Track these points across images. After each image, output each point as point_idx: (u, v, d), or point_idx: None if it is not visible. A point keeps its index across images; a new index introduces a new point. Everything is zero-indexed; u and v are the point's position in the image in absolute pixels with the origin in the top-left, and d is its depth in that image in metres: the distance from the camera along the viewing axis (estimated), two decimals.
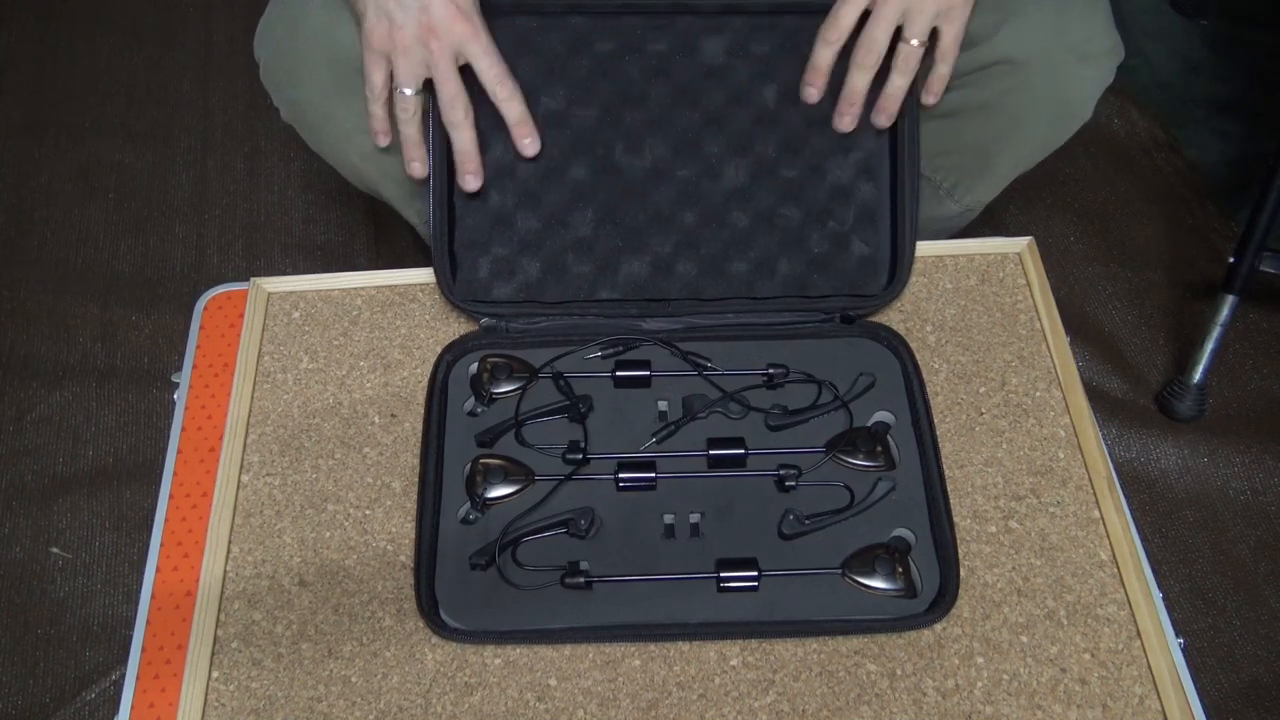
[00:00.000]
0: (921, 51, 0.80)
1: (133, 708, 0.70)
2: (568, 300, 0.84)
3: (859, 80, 0.81)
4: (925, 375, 0.83)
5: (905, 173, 0.84)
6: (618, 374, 0.82)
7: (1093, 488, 0.79)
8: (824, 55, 0.81)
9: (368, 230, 1.53)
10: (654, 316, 0.84)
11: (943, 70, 0.83)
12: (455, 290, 0.84)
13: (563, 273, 0.84)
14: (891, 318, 0.87)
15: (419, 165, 0.84)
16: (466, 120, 0.80)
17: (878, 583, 0.72)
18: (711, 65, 0.84)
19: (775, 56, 0.84)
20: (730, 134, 0.84)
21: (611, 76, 0.84)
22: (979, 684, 0.70)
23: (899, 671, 0.71)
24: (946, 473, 0.78)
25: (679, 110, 0.84)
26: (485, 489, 0.76)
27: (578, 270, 0.84)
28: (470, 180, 0.83)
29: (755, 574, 0.72)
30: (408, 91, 0.79)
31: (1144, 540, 0.77)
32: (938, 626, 0.72)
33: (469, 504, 0.76)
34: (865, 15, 0.80)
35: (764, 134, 0.84)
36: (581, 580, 0.73)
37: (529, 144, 0.83)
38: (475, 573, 0.73)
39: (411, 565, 0.74)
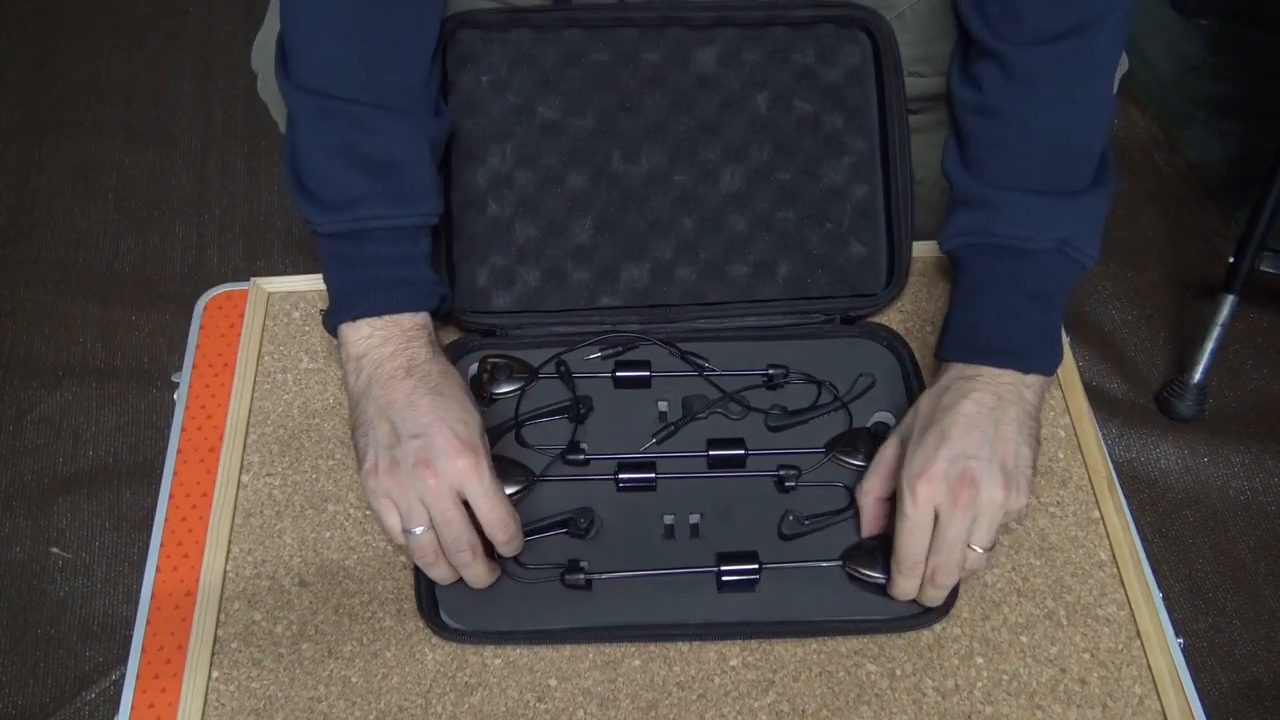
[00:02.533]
0: (986, 559, 0.71)
1: (133, 708, 0.70)
2: (568, 309, 0.84)
3: (928, 594, 0.71)
4: (925, 376, 0.83)
5: (897, 174, 0.84)
6: (618, 374, 0.82)
7: (1093, 488, 0.79)
8: (908, 586, 0.71)
9: None
10: (655, 323, 0.84)
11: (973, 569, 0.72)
12: (454, 302, 0.84)
13: (563, 280, 0.84)
14: (891, 318, 0.88)
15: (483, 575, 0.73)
16: (476, 559, 0.71)
17: (878, 572, 0.72)
18: (704, 74, 0.85)
19: (765, 65, 0.85)
20: (725, 140, 0.85)
21: (607, 86, 0.85)
22: (979, 684, 0.70)
23: (899, 671, 0.71)
24: None
25: (674, 118, 0.85)
26: None
27: (578, 277, 0.84)
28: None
29: (756, 567, 0.72)
30: (417, 531, 0.69)
31: (1144, 540, 0.77)
32: (937, 626, 0.72)
33: None
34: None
35: (758, 139, 0.85)
36: (581, 580, 0.73)
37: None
38: None
39: (411, 565, 0.74)
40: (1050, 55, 0.74)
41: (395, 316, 0.75)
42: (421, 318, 0.76)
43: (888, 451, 0.74)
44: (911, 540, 0.69)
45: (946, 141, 0.82)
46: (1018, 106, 0.76)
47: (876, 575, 0.72)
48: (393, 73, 0.75)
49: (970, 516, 0.68)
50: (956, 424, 0.70)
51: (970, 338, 0.76)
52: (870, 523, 0.75)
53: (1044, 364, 0.74)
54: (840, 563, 0.73)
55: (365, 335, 0.74)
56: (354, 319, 0.75)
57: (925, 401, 0.74)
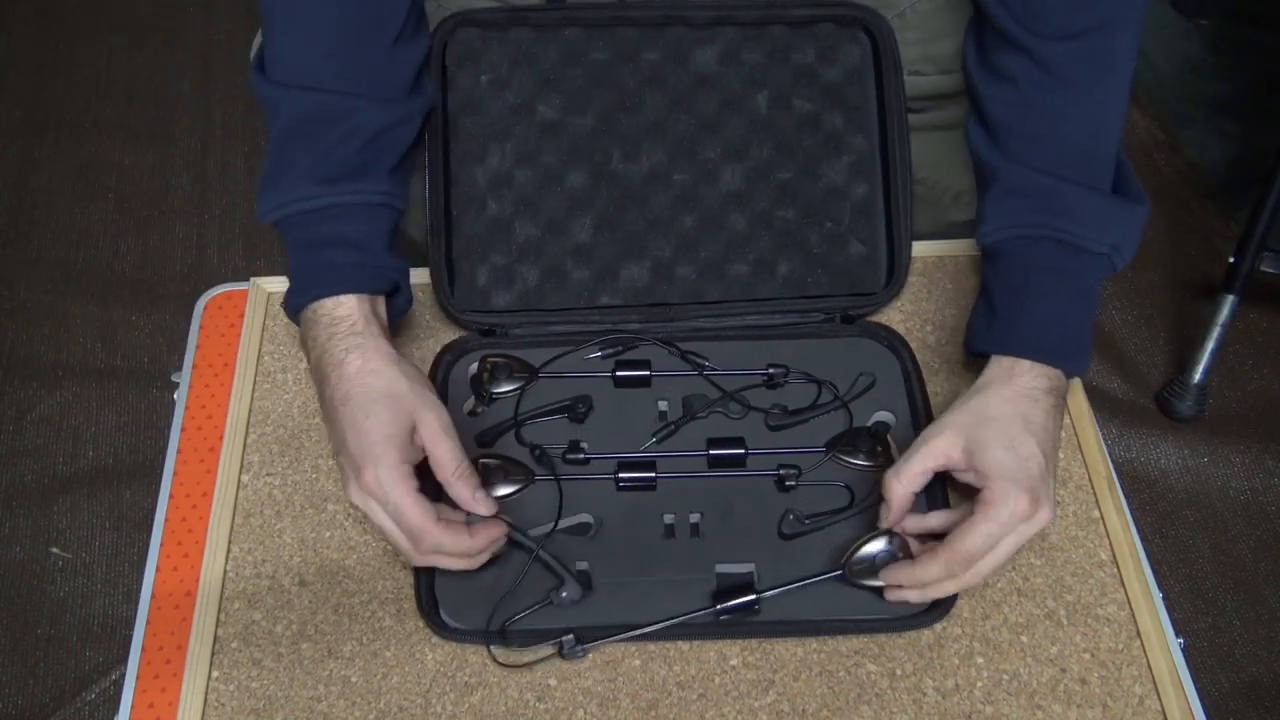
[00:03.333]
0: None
1: (133, 708, 0.70)
2: (568, 307, 0.84)
3: (944, 587, 0.70)
4: (925, 375, 0.83)
5: (897, 173, 0.84)
6: (618, 374, 0.82)
7: (1093, 488, 0.79)
8: (933, 574, 0.70)
9: None
10: (655, 322, 0.84)
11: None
12: (454, 301, 0.84)
13: (563, 279, 0.84)
14: (891, 318, 0.87)
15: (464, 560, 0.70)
16: (430, 557, 0.69)
17: (879, 581, 0.72)
18: (704, 73, 0.85)
19: (765, 64, 0.85)
20: (725, 139, 0.85)
21: (607, 85, 0.85)
22: (979, 684, 0.70)
23: (899, 671, 0.71)
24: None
25: (674, 117, 0.85)
26: (485, 489, 0.76)
27: (578, 276, 0.84)
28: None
29: (753, 598, 0.71)
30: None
31: (1144, 540, 0.77)
32: (938, 626, 0.72)
33: None
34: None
35: (758, 138, 0.85)
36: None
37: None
38: (475, 572, 0.73)
39: (411, 565, 0.74)
40: (1075, 52, 0.75)
41: (317, 308, 0.73)
42: (346, 307, 0.73)
43: (942, 445, 0.72)
44: (985, 541, 0.68)
45: (969, 129, 0.82)
46: (1053, 100, 0.76)
47: (879, 583, 0.72)
48: (357, 58, 0.75)
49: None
50: (1046, 440, 0.71)
51: (1034, 334, 0.74)
52: (896, 515, 0.73)
53: (1085, 367, 0.75)
54: (839, 573, 0.73)
55: (306, 335, 0.74)
56: (294, 314, 0.75)
57: (999, 404, 0.72)
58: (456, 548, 0.69)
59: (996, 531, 0.68)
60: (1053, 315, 0.75)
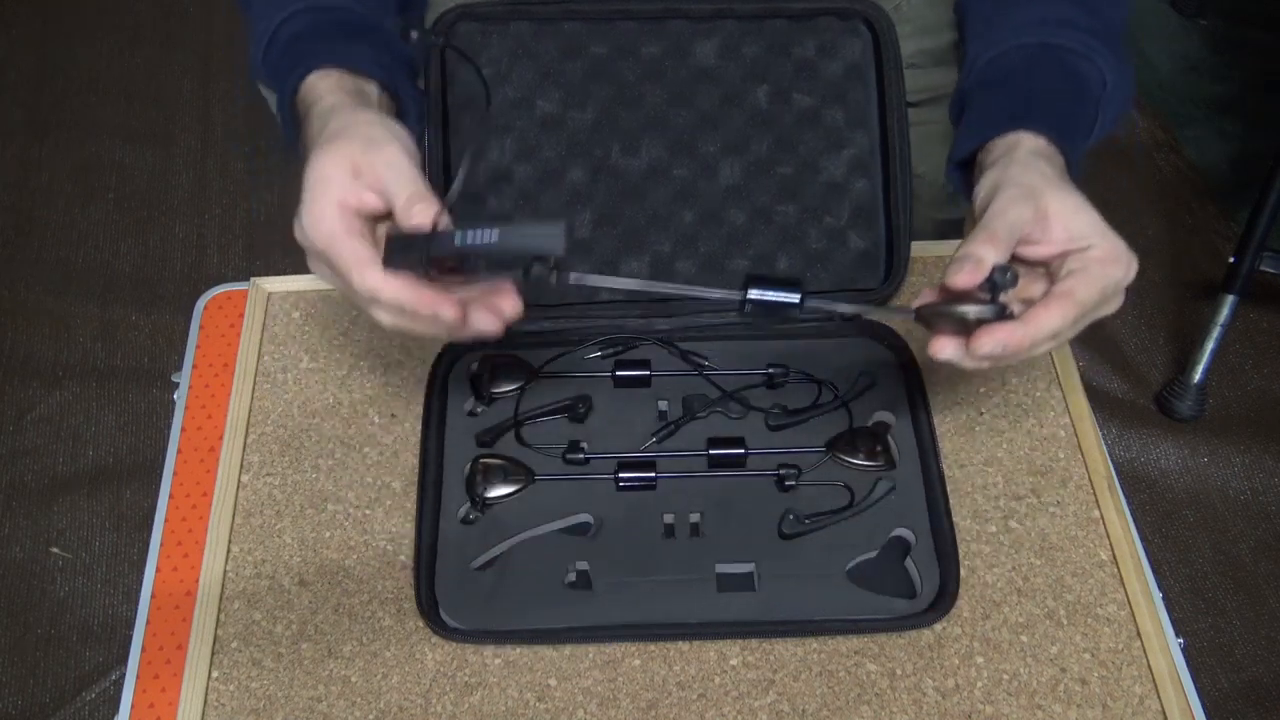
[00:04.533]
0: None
1: (133, 708, 0.70)
2: (568, 303, 0.84)
3: (1047, 345, 0.62)
4: (925, 375, 0.83)
5: (897, 169, 0.84)
6: (618, 374, 0.82)
7: (1093, 488, 0.79)
8: (1052, 323, 0.61)
9: None
10: (655, 317, 0.84)
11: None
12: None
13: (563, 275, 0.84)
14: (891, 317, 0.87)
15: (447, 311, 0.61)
16: (431, 327, 0.61)
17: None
18: (704, 67, 0.85)
19: (765, 58, 0.85)
20: (725, 133, 0.85)
21: (606, 80, 0.85)
22: (979, 684, 0.70)
23: (899, 671, 0.71)
24: (946, 472, 0.78)
25: (674, 111, 0.85)
26: (485, 489, 0.76)
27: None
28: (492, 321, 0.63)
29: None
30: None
31: (1144, 540, 0.77)
32: (938, 626, 0.72)
33: (469, 504, 0.76)
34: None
35: (758, 133, 0.85)
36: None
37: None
38: (475, 572, 0.74)
39: (411, 565, 0.74)
40: None
41: (301, 92, 0.68)
42: (308, 89, 0.67)
43: (1028, 212, 0.63)
44: (1100, 294, 0.62)
45: (960, 3, 0.80)
46: None
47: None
48: None
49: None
50: None
51: (1058, 119, 0.68)
52: (969, 279, 0.62)
53: (1078, 175, 0.69)
54: (913, 313, 0.68)
55: None
56: (288, 138, 0.70)
57: (1058, 173, 0.65)
58: (392, 297, 0.60)
59: (1110, 287, 0.62)
60: (1069, 114, 0.70)
